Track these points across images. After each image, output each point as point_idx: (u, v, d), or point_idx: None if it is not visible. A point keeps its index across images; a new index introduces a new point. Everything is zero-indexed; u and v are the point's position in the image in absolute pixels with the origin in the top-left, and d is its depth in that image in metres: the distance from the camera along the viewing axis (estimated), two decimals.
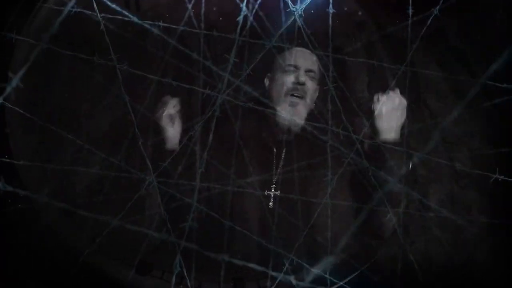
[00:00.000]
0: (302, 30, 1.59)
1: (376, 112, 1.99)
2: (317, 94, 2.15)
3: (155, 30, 1.51)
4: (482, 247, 2.15)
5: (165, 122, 2.03)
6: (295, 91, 2.05)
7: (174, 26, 1.60)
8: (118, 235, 1.94)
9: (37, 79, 1.98)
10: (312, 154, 2.07)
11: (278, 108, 2.05)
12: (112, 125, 2.15)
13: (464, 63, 2.16)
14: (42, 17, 1.83)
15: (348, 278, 1.79)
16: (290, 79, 2.07)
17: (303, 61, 2.09)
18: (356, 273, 1.86)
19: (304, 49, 2.09)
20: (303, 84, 2.06)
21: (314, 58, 2.12)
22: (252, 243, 1.86)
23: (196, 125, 1.73)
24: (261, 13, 1.61)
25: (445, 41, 2.18)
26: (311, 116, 2.05)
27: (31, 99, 1.80)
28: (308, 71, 2.09)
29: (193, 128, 1.74)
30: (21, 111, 1.55)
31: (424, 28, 1.73)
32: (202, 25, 1.57)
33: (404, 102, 1.99)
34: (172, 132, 2.04)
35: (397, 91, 2.00)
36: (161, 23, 1.55)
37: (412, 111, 2.24)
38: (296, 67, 2.08)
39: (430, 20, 1.71)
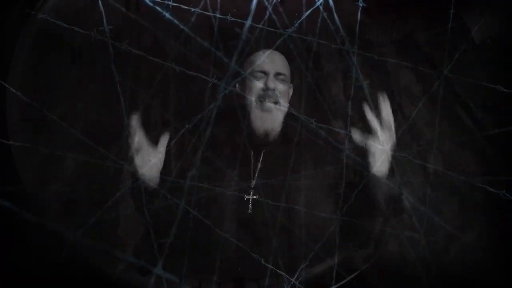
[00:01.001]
0: (327, 18, 1.60)
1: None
2: (291, 93, 2.17)
3: (166, 14, 1.49)
4: (454, 247, 2.19)
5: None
6: (267, 97, 2.04)
7: (184, 7, 1.57)
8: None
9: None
10: (291, 157, 2.06)
11: (251, 115, 2.04)
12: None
13: (433, 66, 2.20)
14: None
15: (348, 278, 1.80)
16: (259, 85, 2.05)
17: (271, 65, 2.08)
18: (356, 273, 1.87)
19: (272, 51, 2.10)
20: (273, 89, 2.05)
21: (284, 60, 2.13)
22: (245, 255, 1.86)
23: (196, 118, 1.71)
24: (281, 9, 1.62)
25: (415, 45, 2.23)
26: (325, 119, 2.04)
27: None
28: (277, 74, 2.08)
29: (191, 122, 1.72)
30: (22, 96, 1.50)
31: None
32: (217, 13, 1.57)
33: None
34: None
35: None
36: (171, 2, 1.53)
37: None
38: (265, 72, 2.07)
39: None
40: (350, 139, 1.88)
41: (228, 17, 1.63)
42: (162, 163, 1.93)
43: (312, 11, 1.59)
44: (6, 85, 1.46)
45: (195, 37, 1.54)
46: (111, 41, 1.52)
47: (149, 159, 1.88)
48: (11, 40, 1.81)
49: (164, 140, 1.92)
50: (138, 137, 1.86)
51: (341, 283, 1.79)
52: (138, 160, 1.88)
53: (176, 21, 1.50)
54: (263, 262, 1.75)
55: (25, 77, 1.91)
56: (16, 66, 1.85)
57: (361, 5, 1.63)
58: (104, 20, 1.48)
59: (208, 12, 1.58)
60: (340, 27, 1.61)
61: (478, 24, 2.10)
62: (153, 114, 2.28)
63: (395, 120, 2.25)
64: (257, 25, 1.57)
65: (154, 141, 1.99)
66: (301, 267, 1.80)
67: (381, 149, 1.93)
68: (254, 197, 2.04)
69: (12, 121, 1.87)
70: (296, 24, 1.62)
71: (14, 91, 1.50)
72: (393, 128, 1.95)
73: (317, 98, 2.11)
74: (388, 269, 2.12)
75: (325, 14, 1.61)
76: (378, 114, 1.92)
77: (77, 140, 1.78)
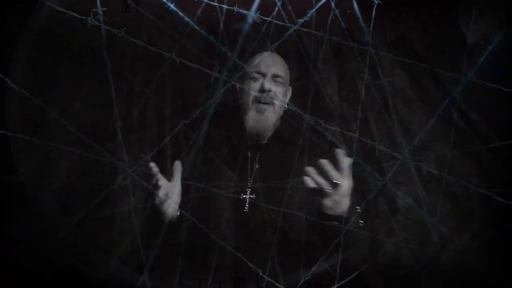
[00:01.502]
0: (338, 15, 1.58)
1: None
2: (289, 95, 2.17)
3: (171, 5, 1.47)
4: (449, 248, 2.20)
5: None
6: (262, 98, 2.04)
7: None
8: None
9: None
10: (286, 158, 2.07)
11: (247, 115, 2.04)
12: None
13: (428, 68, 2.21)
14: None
15: (348, 278, 1.79)
16: (256, 86, 2.05)
17: (269, 67, 2.08)
18: (356, 273, 1.86)
19: (271, 53, 2.10)
20: (268, 91, 2.05)
21: (282, 62, 2.14)
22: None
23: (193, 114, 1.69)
24: (290, 8, 1.60)
25: (409, 47, 2.24)
26: (331, 120, 2.01)
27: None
28: (274, 76, 2.08)
29: (189, 118, 1.70)
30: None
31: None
32: (224, 7, 1.55)
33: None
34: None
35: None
36: None
37: (382, 116, 2.28)
38: (262, 74, 2.07)
39: None
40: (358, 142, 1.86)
41: (235, 8, 1.61)
42: (180, 193, 1.91)
43: (322, 7, 1.57)
44: (9, 82, 1.45)
45: (200, 30, 1.53)
46: (103, 25, 1.49)
47: (171, 196, 1.88)
48: (11, 40, 1.81)
49: (177, 171, 1.90)
50: (161, 182, 1.85)
51: (340, 283, 1.79)
52: (165, 207, 1.87)
53: (180, 13, 1.48)
54: (260, 274, 1.74)
55: (25, 76, 1.91)
56: (16, 66, 1.85)
57: (376, 2, 1.59)
58: (98, 1, 1.45)
59: (214, 2, 1.56)
60: (360, 18, 1.59)
61: (471, 26, 2.12)
62: (150, 110, 2.29)
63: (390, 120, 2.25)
64: (265, 18, 1.56)
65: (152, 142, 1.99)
66: (302, 281, 1.79)
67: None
68: (251, 196, 2.05)
69: (12, 121, 1.87)
70: (309, 14, 1.58)
71: (17, 88, 1.49)
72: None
73: (320, 99, 2.11)
74: (385, 270, 2.13)
75: (337, 11, 1.59)
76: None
77: (76, 139, 1.77)
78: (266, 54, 2.09)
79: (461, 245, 2.19)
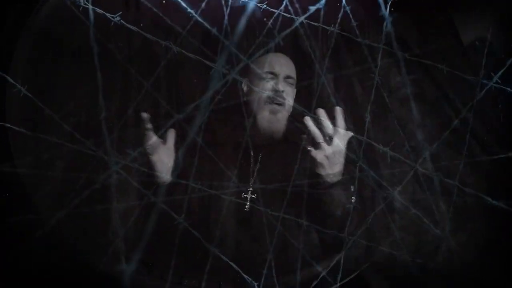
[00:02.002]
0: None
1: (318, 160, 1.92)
2: (294, 96, 2.16)
3: None
4: (443, 249, 2.20)
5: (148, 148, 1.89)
6: (275, 99, 2.06)
7: None
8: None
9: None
10: (289, 158, 2.06)
11: (258, 116, 2.04)
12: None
13: (424, 68, 2.21)
14: None
15: (348, 279, 1.79)
16: (268, 86, 2.08)
17: (281, 67, 2.11)
18: (355, 273, 1.87)
19: (280, 54, 2.11)
20: (282, 91, 2.07)
21: (292, 62, 2.13)
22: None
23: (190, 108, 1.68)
24: (297, 5, 1.59)
25: (406, 48, 2.24)
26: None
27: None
28: (287, 77, 2.10)
29: (184, 111, 1.69)
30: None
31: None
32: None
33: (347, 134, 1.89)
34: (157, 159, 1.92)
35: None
36: None
37: (379, 116, 2.28)
38: (274, 74, 2.09)
39: None
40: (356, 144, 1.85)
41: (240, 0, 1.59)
42: (172, 162, 1.89)
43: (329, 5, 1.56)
44: (12, 81, 1.45)
45: (203, 22, 1.51)
46: (92, 7, 1.47)
47: (163, 159, 1.85)
48: (11, 40, 1.81)
49: (171, 137, 1.89)
50: (151, 135, 1.83)
51: (338, 285, 1.78)
52: (154, 159, 1.84)
53: (183, 4, 1.47)
54: (256, 286, 1.74)
55: (25, 76, 1.90)
56: (16, 66, 1.84)
57: None
58: None
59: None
60: (383, 5, 1.56)
61: (467, 25, 2.12)
62: (146, 106, 2.29)
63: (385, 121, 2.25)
64: (273, 10, 1.55)
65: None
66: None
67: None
68: (253, 196, 2.05)
69: (12, 121, 1.86)
70: (322, 1, 1.56)
71: (20, 87, 1.48)
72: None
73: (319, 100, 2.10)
74: (384, 270, 2.13)
75: (348, 8, 1.58)
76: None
77: (74, 138, 1.77)
78: (275, 54, 2.14)
79: (460, 245, 2.19)
